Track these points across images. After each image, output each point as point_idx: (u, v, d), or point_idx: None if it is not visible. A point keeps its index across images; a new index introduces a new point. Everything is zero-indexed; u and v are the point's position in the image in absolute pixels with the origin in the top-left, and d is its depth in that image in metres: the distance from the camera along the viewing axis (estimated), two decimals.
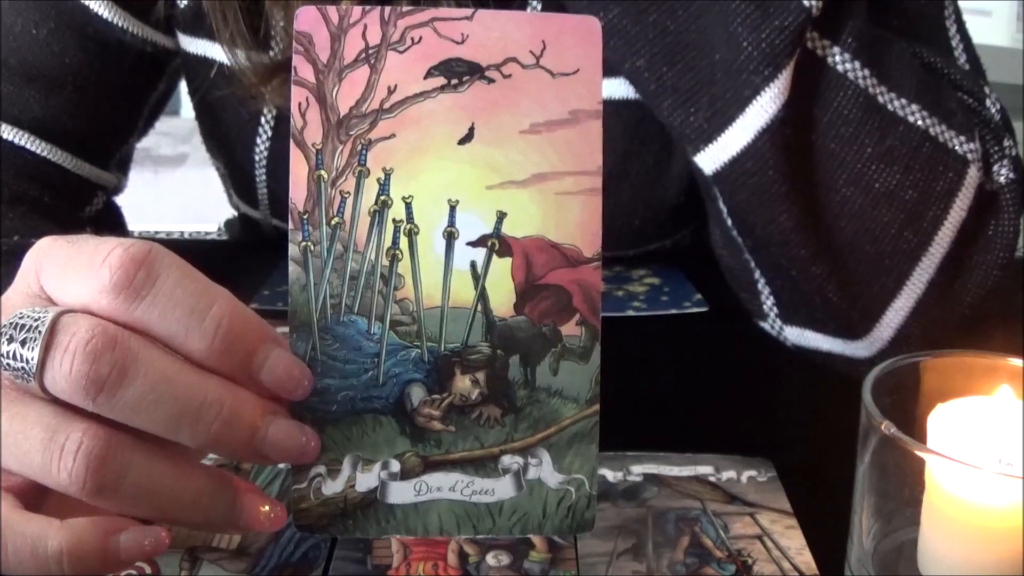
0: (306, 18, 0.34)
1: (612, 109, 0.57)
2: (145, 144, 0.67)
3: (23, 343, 0.31)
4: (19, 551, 0.31)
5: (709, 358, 0.58)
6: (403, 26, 0.34)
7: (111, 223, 0.64)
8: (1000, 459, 0.35)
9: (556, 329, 0.35)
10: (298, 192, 0.34)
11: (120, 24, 0.58)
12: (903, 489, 0.36)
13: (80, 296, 0.32)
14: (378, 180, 0.34)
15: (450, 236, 0.34)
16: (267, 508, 0.34)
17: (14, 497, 0.32)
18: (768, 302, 0.56)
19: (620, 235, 0.64)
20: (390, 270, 0.34)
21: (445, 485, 0.35)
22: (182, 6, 0.59)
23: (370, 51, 0.34)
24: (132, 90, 0.62)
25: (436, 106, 0.34)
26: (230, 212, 0.74)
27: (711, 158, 0.51)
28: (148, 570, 0.39)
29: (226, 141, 0.64)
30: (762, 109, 0.49)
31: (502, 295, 0.34)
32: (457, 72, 0.34)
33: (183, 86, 0.66)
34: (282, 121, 0.60)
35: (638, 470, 0.46)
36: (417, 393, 0.35)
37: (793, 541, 0.42)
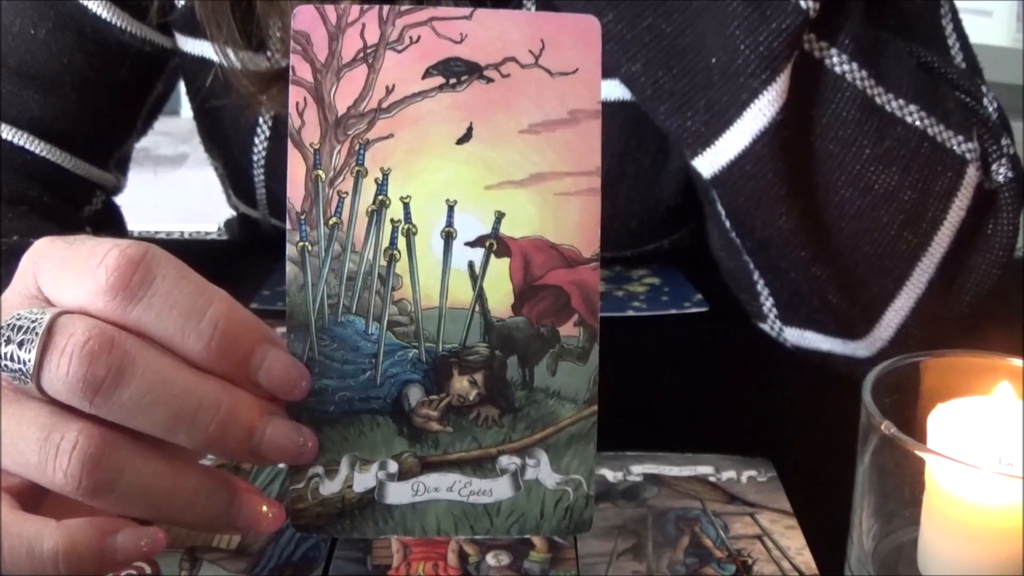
0: (304, 17, 0.33)
1: (609, 110, 0.57)
2: (145, 144, 0.67)
3: (20, 344, 0.31)
4: (15, 551, 0.31)
5: (709, 358, 0.58)
6: (401, 25, 0.33)
7: (110, 223, 0.64)
8: (1000, 459, 0.35)
9: (554, 330, 0.35)
10: (295, 192, 0.34)
11: (118, 24, 0.58)
12: (903, 489, 0.36)
13: (77, 297, 0.32)
14: (376, 180, 0.34)
15: (448, 236, 0.34)
16: (265, 508, 0.34)
17: (11, 498, 0.32)
18: (767, 303, 0.56)
19: (618, 236, 0.63)
20: (388, 270, 0.34)
21: (443, 485, 0.35)
22: (179, 6, 0.59)
23: (368, 50, 0.34)
24: (131, 90, 0.62)
25: (434, 106, 0.34)
26: (230, 212, 0.74)
27: (709, 162, 0.51)
28: (148, 570, 0.39)
29: (224, 141, 0.64)
30: (760, 112, 0.49)
31: (500, 295, 0.34)
32: (455, 72, 0.34)
33: (182, 86, 0.66)
34: (280, 121, 0.60)
35: (638, 470, 0.46)
36: (415, 393, 0.35)
37: (793, 541, 0.42)
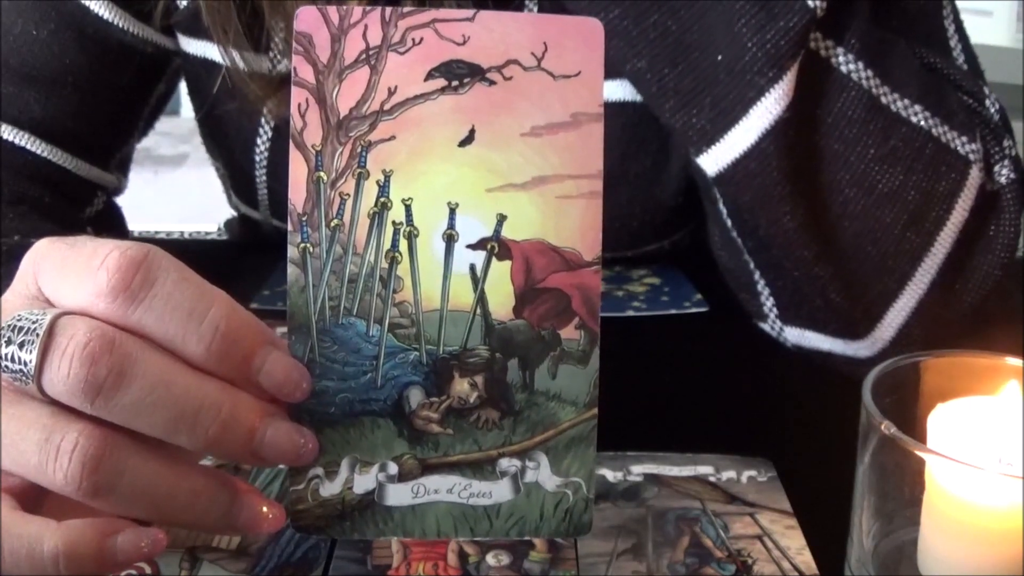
0: (306, 18, 0.33)
1: (610, 111, 0.57)
2: (145, 144, 0.67)
3: (21, 345, 0.31)
4: (16, 552, 0.31)
5: (709, 358, 0.58)
6: (404, 27, 0.33)
7: (112, 223, 0.64)
8: (1000, 459, 0.35)
9: (555, 332, 0.35)
10: (297, 194, 0.34)
11: (120, 24, 0.58)
12: (903, 489, 0.36)
13: (78, 299, 0.32)
14: (378, 182, 0.34)
15: (450, 239, 0.34)
16: (266, 509, 0.34)
17: (12, 499, 0.32)
18: (768, 303, 0.56)
19: (618, 236, 0.63)
20: (389, 272, 0.34)
21: (443, 487, 0.35)
22: (181, 7, 0.59)
23: (370, 52, 0.33)
24: (132, 90, 0.62)
25: (436, 108, 0.34)
26: (230, 212, 0.74)
27: (714, 160, 0.51)
28: (148, 570, 0.39)
29: (226, 142, 0.64)
30: (766, 110, 0.49)
31: (501, 298, 0.34)
32: (458, 74, 0.33)
33: (183, 86, 0.66)
34: (283, 122, 0.60)
35: (638, 470, 0.46)
36: (415, 395, 0.35)
37: (793, 541, 0.42)
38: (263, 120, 0.61)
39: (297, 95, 0.33)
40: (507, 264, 0.34)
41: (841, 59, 0.50)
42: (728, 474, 0.46)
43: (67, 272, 0.32)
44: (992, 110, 0.54)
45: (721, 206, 0.54)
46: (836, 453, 0.39)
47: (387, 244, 0.34)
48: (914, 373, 0.38)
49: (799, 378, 0.56)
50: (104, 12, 0.57)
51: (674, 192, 0.61)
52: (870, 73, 0.50)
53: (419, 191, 0.34)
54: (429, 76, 0.34)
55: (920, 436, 0.35)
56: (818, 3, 0.48)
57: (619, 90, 0.55)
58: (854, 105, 0.50)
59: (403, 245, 0.34)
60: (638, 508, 0.44)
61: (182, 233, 0.76)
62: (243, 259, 0.68)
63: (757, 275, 0.56)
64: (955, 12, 0.56)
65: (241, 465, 0.45)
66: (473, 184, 0.34)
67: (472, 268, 0.34)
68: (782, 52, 0.48)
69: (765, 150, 0.49)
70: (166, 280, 0.32)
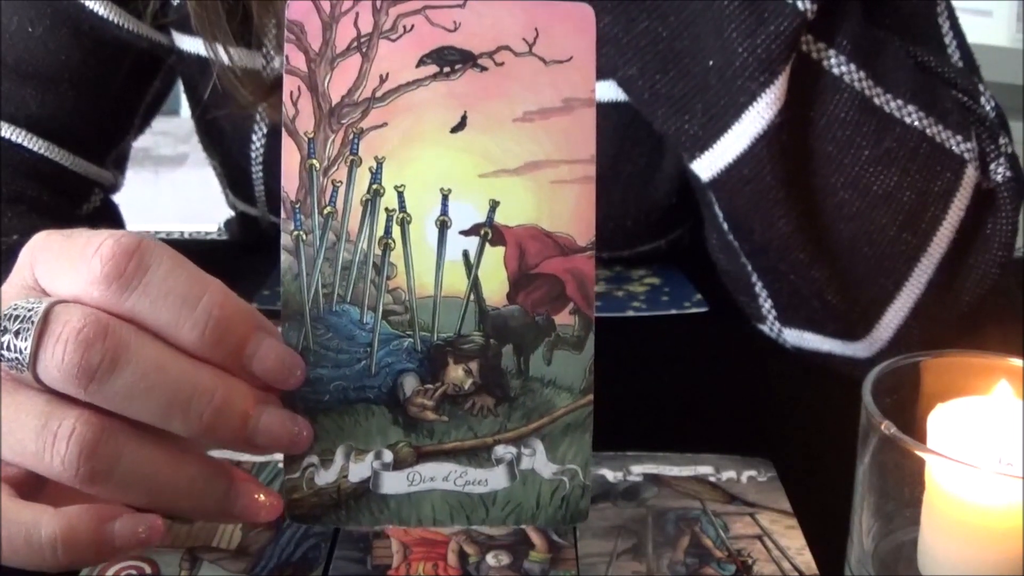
0: (297, 7, 0.34)
1: (602, 111, 0.57)
2: (145, 144, 0.68)
3: (17, 334, 0.31)
4: (13, 539, 0.31)
5: (709, 358, 0.58)
6: (395, 14, 0.33)
7: (109, 221, 0.64)
8: (1000, 459, 0.35)
9: (549, 318, 0.35)
10: (290, 181, 0.34)
11: (115, 21, 0.59)
12: (903, 489, 0.36)
13: (72, 287, 0.32)
14: (370, 169, 0.34)
15: (443, 225, 0.34)
16: (262, 497, 0.34)
17: (9, 486, 0.32)
18: (766, 305, 0.56)
19: (613, 236, 0.63)
20: (382, 259, 0.34)
21: (438, 475, 0.35)
22: (176, 3, 0.59)
23: (362, 39, 0.34)
24: (128, 87, 0.62)
25: (428, 94, 0.34)
26: (230, 212, 0.74)
27: (707, 165, 0.51)
28: (148, 569, 0.39)
29: (222, 139, 0.64)
30: (758, 115, 0.49)
31: (495, 284, 0.34)
32: (449, 60, 0.34)
33: (182, 85, 0.66)
34: (278, 121, 0.60)
35: (638, 470, 0.46)
36: (410, 383, 0.35)
37: (793, 541, 0.42)
38: (259, 116, 0.61)
39: (289, 83, 0.34)
40: (500, 250, 0.34)
41: (833, 61, 0.50)
42: (728, 474, 0.46)
43: (62, 261, 0.33)
44: (988, 108, 0.53)
45: (717, 210, 0.54)
46: (836, 453, 0.39)
47: (380, 231, 0.34)
48: (914, 373, 0.38)
49: (799, 378, 0.55)
50: (99, 8, 0.58)
51: (668, 191, 0.61)
52: (862, 74, 0.50)
53: (411, 177, 0.34)
54: (421, 63, 0.34)
55: (920, 436, 0.35)
56: (808, 5, 0.48)
57: (611, 90, 0.55)
58: (847, 107, 0.50)
59: (396, 232, 0.34)
60: (638, 508, 0.43)
61: (182, 233, 0.77)
62: (243, 259, 0.69)
63: (755, 278, 0.56)
64: (950, 10, 0.56)
65: (241, 462, 0.44)
66: (466, 170, 0.34)
67: (465, 254, 0.34)
68: (773, 56, 0.48)
69: (758, 155, 0.49)
70: (159, 267, 0.32)
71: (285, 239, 0.34)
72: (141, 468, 0.32)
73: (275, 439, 0.33)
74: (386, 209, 0.34)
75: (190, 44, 0.60)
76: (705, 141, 0.50)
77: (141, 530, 0.32)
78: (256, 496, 0.34)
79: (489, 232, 0.34)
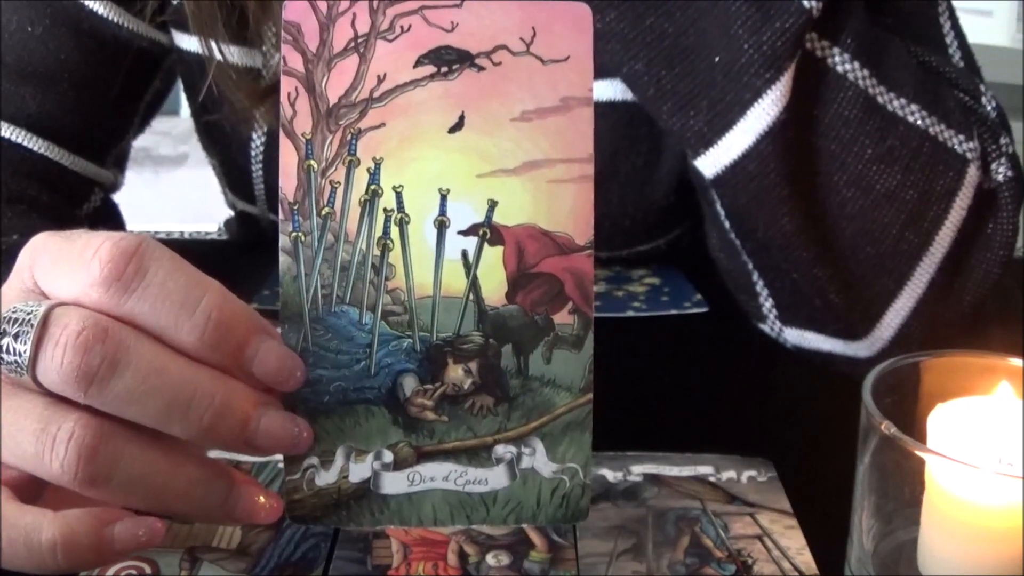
0: (294, 8, 0.34)
1: (600, 111, 0.57)
2: (145, 144, 0.68)
3: (16, 336, 0.31)
4: (13, 542, 0.31)
5: (709, 358, 0.58)
6: (392, 14, 0.33)
7: (109, 221, 0.64)
8: (1000, 459, 0.35)
9: (548, 318, 0.35)
10: (288, 182, 0.34)
11: (115, 20, 0.59)
12: (903, 489, 0.36)
13: (72, 290, 0.32)
14: (368, 170, 0.34)
15: (441, 225, 0.34)
16: (263, 499, 0.34)
17: (9, 490, 0.32)
18: (767, 304, 0.56)
19: (611, 236, 0.63)
20: (381, 260, 0.34)
21: (438, 475, 0.35)
22: (174, 2, 0.59)
23: (359, 40, 0.34)
24: (128, 86, 0.62)
25: (426, 95, 0.34)
26: (230, 212, 0.74)
27: (712, 162, 0.51)
28: (148, 570, 0.39)
29: (223, 138, 0.65)
30: (764, 112, 0.49)
31: (494, 284, 0.34)
32: (447, 60, 0.34)
33: (182, 85, 0.66)
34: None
35: (638, 470, 0.46)
36: (409, 383, 0.35)
37: (793, 541, 0.42)
38: (259, 115, 0.61)
39: (286, 84, 0.34)
40: (499, 250, 0.34)
41: (837, 59, 0.50)
42: (728, 474, 0.46)
43: (61, 264, 0.33)
44: (989, 108, 0.53)
45: (719, 208, 0.54)
46: (836, 453, 0.39)
47: (379, 231, 0.34)
48: (914, 373, 0.38)
49: (799, 378, 0.55)
50: (99, 8, 0.58)
51: (666, 191, 0.61)
52: (866, 73, 0.50)
53: (410, 178, 0.34)
54: (418, 63, 0.34)
55: (920, 436, 0.35)
56: (814, 4, 0.48)
57: (609, 89, 0.55)
58: (851, 105, 0.50)
59: (395, 232, 0.34)
60: (638, 508, 0.43)
61: (182, 233, 0.77)
62: (243, 259, 0.69)
63: (756, 276, 0.56)
64: (951, 10, 0.56)
65: (241, 463, 0.45)
66: (464, 170, 0.34)
67: (464, 254, 0.34)
68: (779, 53, 0.48)
69: (763, 152, 0.49)
70: (159, 269, 0.32)
71: (283, 240, 0.34)
72: (141, 471, 0.32)
73: (275, 441, 0.33)
74: (384, 210, 0.34)
75: (189, 43, 0.60)
76: (710, 137, 0.50)
77: (141, 533, 0.32)
78: (256, 498, 0.34)
79: (488, 232, 0.34)
